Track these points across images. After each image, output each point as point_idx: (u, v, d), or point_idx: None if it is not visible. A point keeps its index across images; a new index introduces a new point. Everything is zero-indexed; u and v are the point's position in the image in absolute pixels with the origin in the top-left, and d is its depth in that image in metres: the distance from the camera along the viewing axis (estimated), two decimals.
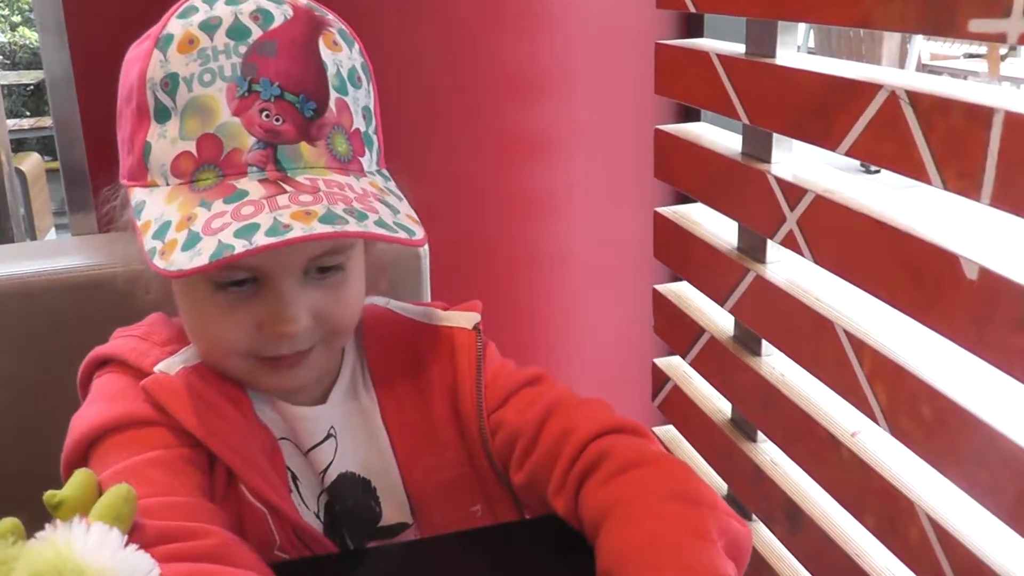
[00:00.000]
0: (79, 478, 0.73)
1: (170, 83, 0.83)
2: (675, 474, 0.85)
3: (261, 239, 0.74)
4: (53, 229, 3.84)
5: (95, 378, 0.93)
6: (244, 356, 0.88)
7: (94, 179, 1.44)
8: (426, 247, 1.29)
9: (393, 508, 0.97)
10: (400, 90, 1.52)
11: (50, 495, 0.70)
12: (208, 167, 0.81)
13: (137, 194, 0.85)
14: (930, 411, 0.97)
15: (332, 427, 0.95)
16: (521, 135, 1.62)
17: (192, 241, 0.76)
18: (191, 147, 0.82)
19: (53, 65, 1.42)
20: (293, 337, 0.86)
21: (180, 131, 0.82)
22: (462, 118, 1.58)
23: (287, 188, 0.79)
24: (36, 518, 0.68)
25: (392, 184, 0.90)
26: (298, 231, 0.75)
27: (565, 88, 1.62)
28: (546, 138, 1.63)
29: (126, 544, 0.65)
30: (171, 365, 0.90)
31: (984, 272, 0.88)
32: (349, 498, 0.96)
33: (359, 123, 0.87)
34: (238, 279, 0.84)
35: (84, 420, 0.87)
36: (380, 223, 0.80)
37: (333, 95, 0.85)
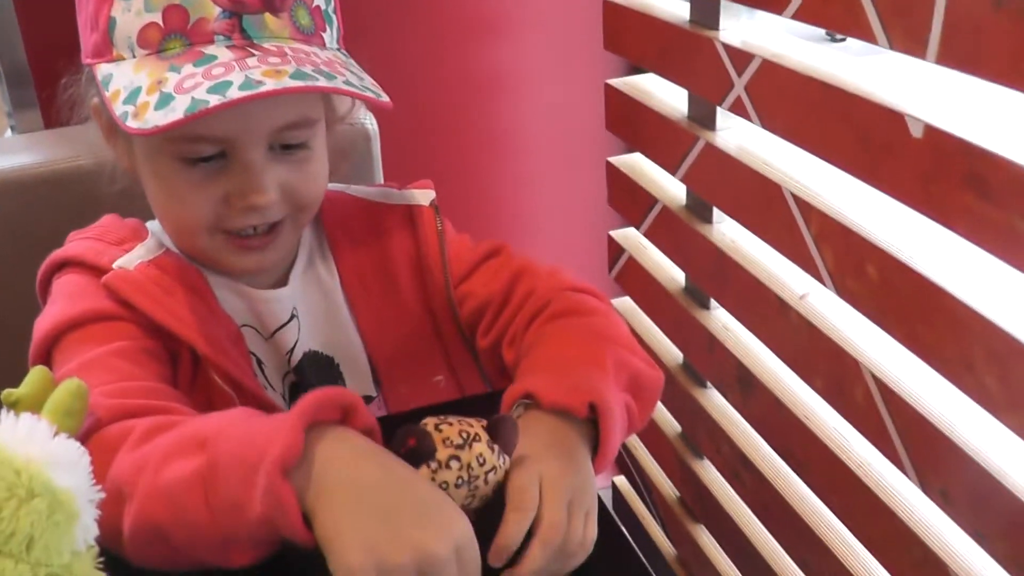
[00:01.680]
0: (35, 375, 0.73)
1: None
2: (601, 320, 0.92)
3: (235, 93, 0.76)
4: (9, 131, 3.75)
5: (54, 281, 0.92)
6: (211, 231, 0.89)
7: (36, 76, 1.41)
8: (376, 129, 1.28)
9: (357, 382, 0.99)
10: (354, 27, 1.48)
11: (7, 393, 0.70)
12: (175, 36, 0.82)
13: (103, 69, 0.85)
14: (875, 271, 0.98)
15: (295, 308, 0.97)
16: (470, 13, 1.58)
17: (165, 100, 0.78)
18: (157, 18, 0.82)
19: None
20: (262, 209, 0.87)
21: (145, 3, 0.82)
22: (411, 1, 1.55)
23: (255, 52, 0.81)
24: None
25: (352, 62, 0.91)
26: (270, 85, 0.77)
27: None
28: (494, 17, 1.60)
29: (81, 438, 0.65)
30: (129, 261, 0.90)
31: (929, 130, 0.88)
32: (314, 377, 0.97)
33: (319, 0, 0.88)
34: (206, 155, 0.85)
35: (46, 320, 0.87)
36: (348, 83, 0.82)
37: None
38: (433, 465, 0.70)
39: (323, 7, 0.89)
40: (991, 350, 0.84)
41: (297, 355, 0.97)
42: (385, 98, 0.85)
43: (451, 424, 0.72)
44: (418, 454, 0.70)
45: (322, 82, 0.80)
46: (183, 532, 0.67)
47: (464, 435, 0.71)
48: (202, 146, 0.84)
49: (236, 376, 0.88)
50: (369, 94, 0.83)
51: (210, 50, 0.81)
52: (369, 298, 0.99)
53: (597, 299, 0.96)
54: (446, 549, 0.64)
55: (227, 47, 0.82)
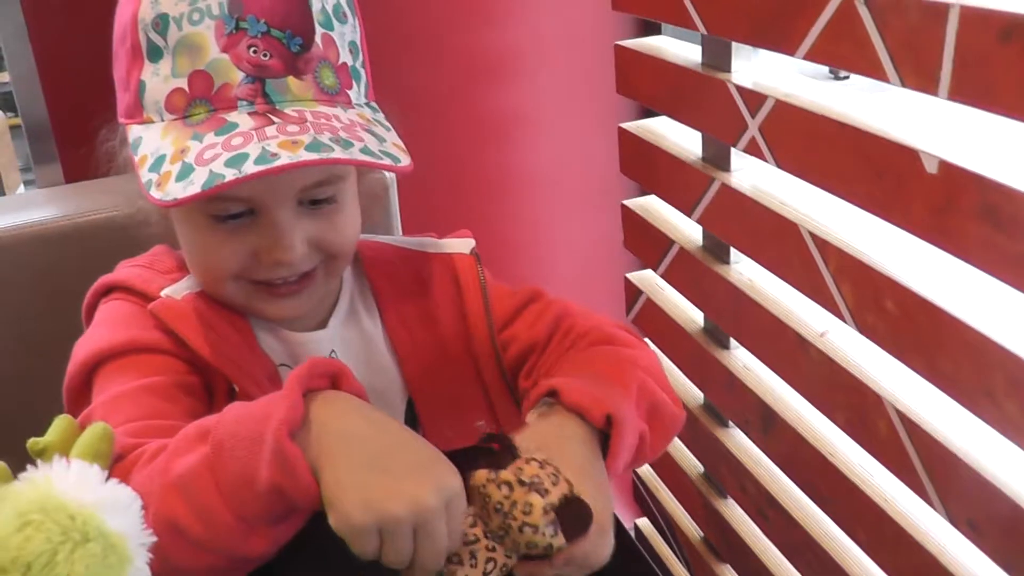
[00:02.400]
0: (59, 424, 0.75)
1: (160, 23, 0.85)
2: (634, 350, 0.95)
3: (250, 167, 0.78)
4: (22, 185, 3.80)
5: (101, 304, 0.95)
6: (236, 279, 0.90)
7: (56, 130, 1.43)
8: (393, 178, 1.30)
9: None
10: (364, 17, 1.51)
11: (33, 442, 0.72)
12: (200, 102, 0.84)
13: (134, 131, 0.88)
14: (894, 305, 0.99)
15: (333, 350, 0.98)
16: (482, 56, 1.61)
17: (185, 172, 0.80)
18: (183, 83, 0.84)
19: (5, 18, 1.40)
20: (288, 264, 0.88)
21: (172, 69, 0.85)
22: (426, 42, 1.57)
23: (275, 120, 0.83)
24: (22, 467, 0.69)
25: (380, 116, 0.92)
26: (285, 159, 0.78)
27: (524, 6, 1.61)
28: (507, 58, 1.62)
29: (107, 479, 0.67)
30: (177, 290, 0.93)
31: (944, 165, 0.89)
32: None
33: (346, 57, 0.90)
34: (234, 212, 0.87)
35: (88, 344, 0.89)
36: (366, 151, 0.83)
37: (319, 30, 0.87)
38: (491, 475, 0.72)
39: (350, 63, 0.90)
40: (1011, 378, 0.85)
41: None
42: (404, 161, 0.86)
43: (541, 466, 0.74)
44: (489, 459, 0.73)
45: (337, 152, 0.81)
46: (198, 522, 0.71)
47: (536, 479, 0.73)
48: (229, 205, 0.87)
49: None
50: (386, 161, 0.84)
51: (232, 117, 0.83)
52: (415, 345, 1.01)
53: (634, 336, 0.99)
54: (439, 501, 0.69)
55: (249, 113, 0.83)
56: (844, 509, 1.16)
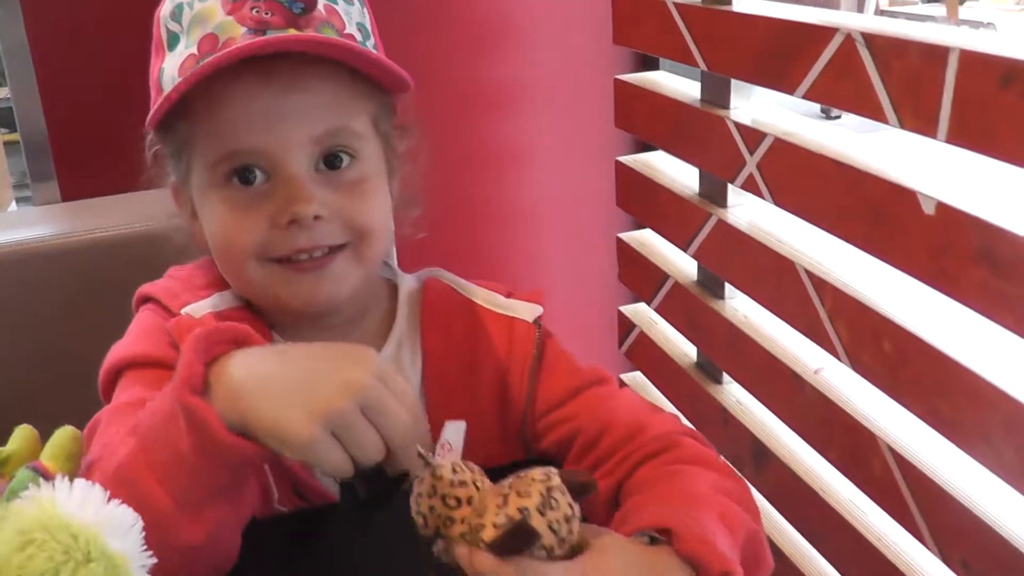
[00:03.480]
0: (20, 433, 0.79)
1: (176, 11, 0.88)
2: (730, 480, 0.88)
3: (222, 51, 0.82)
4: (13, 203, 3.79)
5: (139, 311, 0.96)
6: (260, 259, 0.87)
7: (55, 148, 1.43)
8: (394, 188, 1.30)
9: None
10: None
11: None
12: (206, 56, 0.84)
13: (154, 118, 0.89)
14: (891, 345, 0.99)
15: None
16: (481, 88, 1.62)
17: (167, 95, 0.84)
18: (193, 49, 0.86)
19: (7, 35, 1.41)
20: (305, 217, 0.85)
21: (186, 43, 0.87)
22: (422, 72, 1.58)
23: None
24: None
25: None
26: (270, 36, 0.83)
27: (524, 40, 1.62)
28: (506, 91, 1.63)
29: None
30: (198, 308, 0.92)
31: (941, 207, 0.90)
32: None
33: (352, 30, 0.90)
34: (250, 176, 0.86)
35: (115, 350, 0.91)
36: (346, 45, 0.85)
37: (321, 1, 0.87)
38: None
39: (359, 39, 0.90)
40: (1008, 421, 0.86)
41: None
42: (403, 74, 0.89)
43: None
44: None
45: (329, 34, 0.84)
46: (145, 514, 0.67)
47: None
48: (241, 162, 0.86)
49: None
50: (376, 55, 0.87)
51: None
52: (448, 400, 0.95)
53: (708, 447, 0.93)
54: (368, 375, 0.70)
55: None
56: (836, 546, 1.16)
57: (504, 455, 0.94)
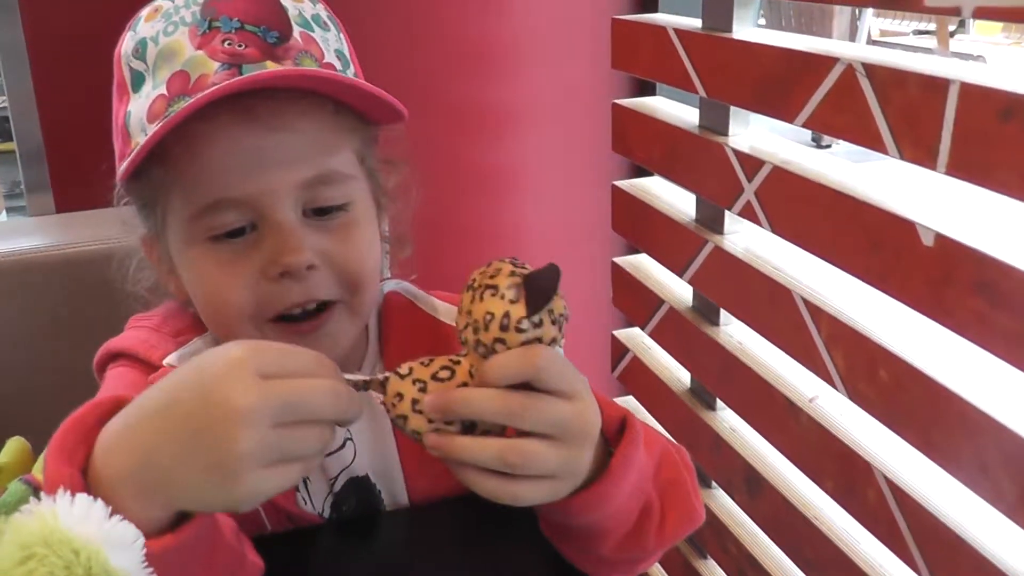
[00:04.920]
0: (11, 445, 0.78)
1: (140, 48, 0.83)
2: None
3: (200, 93, 0.76)
4: (4, 212, 3.79)
5: (108, 371, 0.91)
6: (254, 319, 0.83)
7: (51, 159, 1.43)
8: (385, 228, 1.29)
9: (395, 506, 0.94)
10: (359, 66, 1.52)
11: None
12: (178, 99, 0.80)
13: (123, 167, 0.83)
14: (887, 375, 0.99)
15: (348, 430, 0.90)
16: (479, 110, 1.62)
17: (144, 136, 0.79)
18: (163, 90, 0.81)
19: (5, 44, 1.41)
20: (297, 269, 0.80)
21: (153, 83, 0.82)
22: (419, 94, 1.58)
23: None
24: None
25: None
26: (246, 76, 0.77)
27: (523, 63, 1.62)
28: (504, 114, 1.64)
29: None
30: (182, 356, 0.87)
31: (940, 239, 0.90)
32: (353, 498, 0.92)
33: (332, 59, 0.86)
34: (234, 227, 0.81)
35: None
36: (330, 76, 0.81)
37: (297, 28, 0.84)
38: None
39: (338, 67, 0.86)
40: (1005, 452, 0.86)
41: (342, 479, 0.91)
42: (399, 105, 0.83)
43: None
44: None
45: (309, 67, 0.79)
46: None
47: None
48: (226, 215, 0.81)
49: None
50: (370, 87, 0.80)
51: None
52: None
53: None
54: (245, 392, 0.62)
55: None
56: (829, 574, 1.16)
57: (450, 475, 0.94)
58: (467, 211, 1.68)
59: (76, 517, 0.62)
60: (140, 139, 0.81)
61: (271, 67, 0.80)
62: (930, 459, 0.96)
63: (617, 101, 1.53)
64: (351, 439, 0.91)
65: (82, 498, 0.64)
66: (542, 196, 1.71)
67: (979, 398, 0.89)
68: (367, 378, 0.70)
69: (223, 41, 0.80)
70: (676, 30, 1.32)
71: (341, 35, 0.90)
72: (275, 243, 0.81)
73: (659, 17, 1.47)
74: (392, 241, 0.98)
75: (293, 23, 0.84)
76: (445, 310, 0.98)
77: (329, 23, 0.88)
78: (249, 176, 0.80)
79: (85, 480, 0.64)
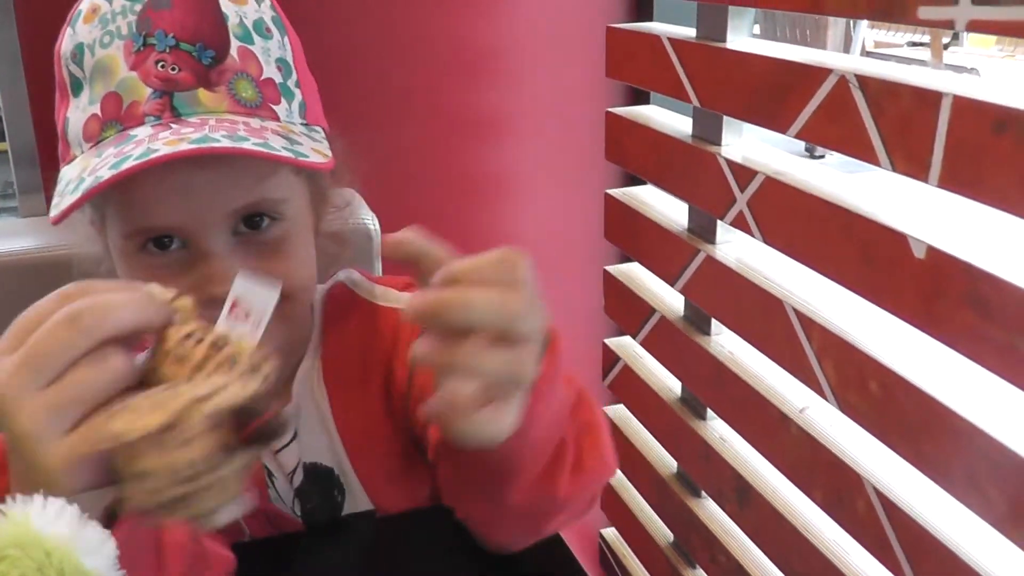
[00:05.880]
0: None
1: (77, 53, 0.82)
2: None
3: (129, 164, 0.73)
4: None
5: None
6: None
7: (43, 160, 1.42)
8: (377, 228, 1.29)
9: (355, 496, 0.97)
10: (351, 69, 1.52)
11: None
12: (111, 124, 0.80)
13: (62, 172, 0.83)
14: (878, 386, 1.00)
15: (296, 433, 0.94)
16: (472, 117, 1.62)
17: (77, 186, 0.75)
18: (96, 109, 0.81)
19: (0, 45, 1.40)
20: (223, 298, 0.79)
21: (89, 97, 0.81)
22: (413, 99, 1.58)
23: (173, 126, 0.77)
24: None
25: (317, 134, 0.87)
26: (164, 151, 0.73)
27: (516, 70, 1.62)
28: (497, 120, 1.64)
29: None
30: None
31: (932, 251, 0.90)
32: (315, 494, 0.95)
33: (271, 73, 0.84)
34: (159, 238, 0.81)
35: None
36: (264, 145, 0.76)
37: (235, 43, 0.82)
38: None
39: (278, 80, 0.85)
40: (995, 464, 0.86)
41: (299, 474, 0.95)
42: (314, 158, 0.79)
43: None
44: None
45: (223, 143, 0.74)
46: None
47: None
48: (150, 229, 0.81)
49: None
50: (287, 155, 0.77)
51: (136, 131, 0.78)
52: (350, 417, 0.95)
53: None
54: (3, 377, 0.59)
55: (152, 126, 0.78)
56: None
57: (397, 453, 0.96)
58: (459, 217, 1.67)
59: (48, 519, 0.61)
60: (77, 152, 0.82)
61: (202, 96, 0.80)
62: (920, 471, 0.96)
63: (611, 109, 1.54)
64: (297, 437, 0.94)
65: (55, 501, 0.63)
66: (535, 203, 1.71)
67: (969, 410, 0.89)
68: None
69: (157, 63, 0.79)
70: (671, 39, 1.32)
71: (286, 39, 0.88)
72: (203, 271, 0.81)
73: (654, 26, 1.47)
74: (332, 243, 0.97)
75: (232, 35, 0.82)
76: (382, 292, 0.99)
77: (273, 27, 0.87)
78: (177, 208, 0.79)
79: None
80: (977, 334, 0.86)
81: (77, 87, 0.83)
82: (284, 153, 0.77)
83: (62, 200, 0.77)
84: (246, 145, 0.75)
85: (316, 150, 0.82)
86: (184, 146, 0.73)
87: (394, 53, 1.56)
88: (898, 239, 0.94)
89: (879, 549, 1.03)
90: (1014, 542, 0.85)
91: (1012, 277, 0.83)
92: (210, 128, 0.77)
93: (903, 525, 0.99)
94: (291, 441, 0.94)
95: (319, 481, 0.96)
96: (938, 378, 0.95)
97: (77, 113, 0.82)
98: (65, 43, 0.84)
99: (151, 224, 0.80)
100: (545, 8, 1.62)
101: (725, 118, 1.27)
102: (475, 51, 1.60)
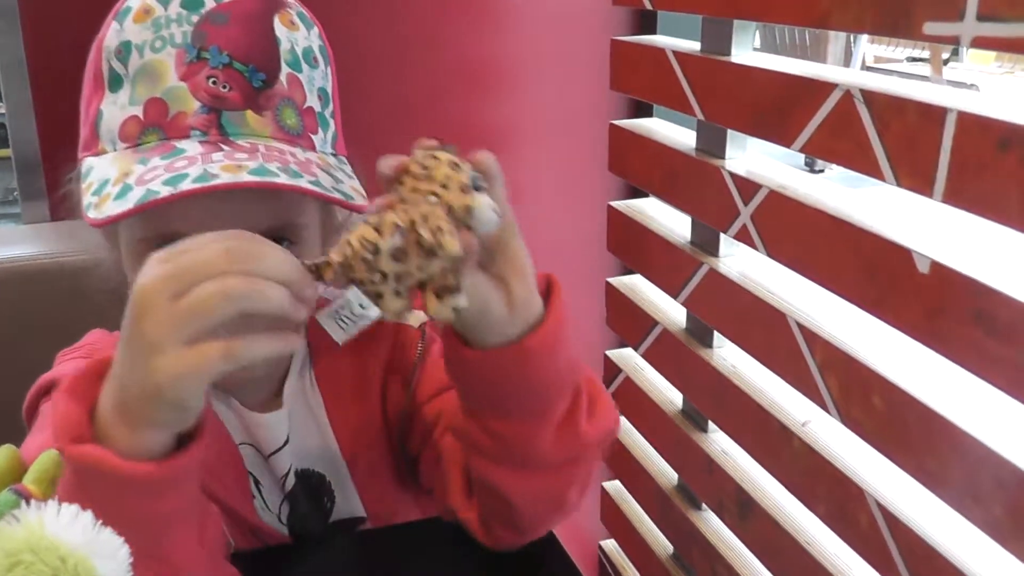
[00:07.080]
0: (3, 453, 0.76)
1: (123, 51, 0.82)
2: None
3: (187, 185, 0.72)
4: None
5: (42, 404, 0.90)
6: None
7: (47, 166, 1.43)
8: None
9: (347, 503, 0.98)
10: (356, 83, 1.53)
11: None
12: (152, 130, 0.79)
13: (87, 162, 0.83)
14: (881, 401, 1.00)
15: (288, 437, 0.95)
16: (477, 129, 1.63)
17: (124, 192, 0.75)
18: (138, 111, 0.80)
19: (5, 50, 1.41)
20: None
21: (130, 97, 0.81)
22: (417, 111, 1.59)
23: (225, 148, 0.77)
24: None
25: (346, 167, 0.87)
26: (225, 179, 0.73)
27: (521, 83, 1.63)
28: (502, 132, 1.64)
29: None
30: None
31: (936, 266, 0.91)
32: (305, 497, 0.96)
33: (313, 102, 0.85)
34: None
35: (31, 451, 0.81)
36: (316, 183, 0.77)
37: (285, 69, 0.83)
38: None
39: (317, 109, 0.86)
40: (998, 479, 0.86)
41: (291, 479, 0.95)
42: (360, 202, 0.80)
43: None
44: None
45: (283, 179, 0.74)
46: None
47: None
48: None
49: (223, 498, 0.87)
50: (337, 196, 0.78)
51: (182, 144, 0.78)
52: (346, 420, 0.97)
53: None
54: (147, 279, 0.64)
55: (200, 142, 0.78)
56: None
57: (391, 465, 0.98)
58: None
59: (63, 525, 0.62)
60: (108, 148, 0.82)
61: (250, 119, 0.80)
62: (923, 485, 0.96)
63: (614, 122, 1.54)
64: (290, 441, 0.94)
65: (68, 507, 0.64)
66: (538, 215, 1.71)
67: (973, 425, 0.89)
68: (317, 261, 0.67)
69: (208, 78, 0.79)
70: (675, 52, 1.32)
71: (328, 69, 0.89)
72: None
73: (658, 39, 1.47)
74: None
75: (283, 61, 0.83)
76: None
77: (319, 57, 0.87)
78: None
79: (91, 420, 0.67)
80: (981, 349, 0.86)
81: (116, 83, 0.82)
82: (335, 195, 0.78)
83: (105, 204, 0.75)
84: (301, 183, 0.76)
85: (355, 189, 0.82)
86: (245, 176, 0.73)
87: (400, 66, 1.57)
88: (902, 254, 0.95)
89: (881, 564, 1.03)
90: (1017, 556, 0.85)
91: (1016, 292, 0.83)
92: (263, 157, 0.77)
93: (906, 539, 0.99)
94: (284, 446, 0.94)
95: (310, 487, 0.97)
96: (941, 393, 0.95)
97: (113, 109, 0.82)
98: (110, 36, 0.83)
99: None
100: (550, 21, 1.62)
101: (729, 131, 1.27)
102: (480, 64, 1.61)
